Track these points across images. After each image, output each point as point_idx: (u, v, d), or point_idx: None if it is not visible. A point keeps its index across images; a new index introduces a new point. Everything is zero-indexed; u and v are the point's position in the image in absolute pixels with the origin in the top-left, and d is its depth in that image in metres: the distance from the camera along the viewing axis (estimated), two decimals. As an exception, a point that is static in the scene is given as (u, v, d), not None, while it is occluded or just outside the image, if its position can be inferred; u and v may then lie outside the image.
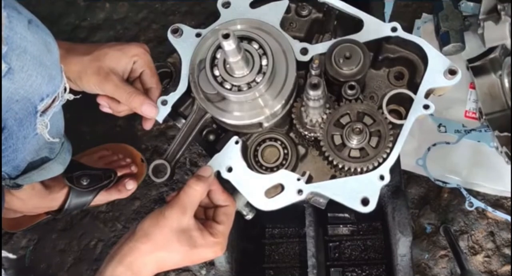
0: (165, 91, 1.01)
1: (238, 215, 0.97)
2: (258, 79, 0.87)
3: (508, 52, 1.39)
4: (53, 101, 0.87)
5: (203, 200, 0.91)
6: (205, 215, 0.95)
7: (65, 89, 0.90)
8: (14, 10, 0.76)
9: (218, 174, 0.93)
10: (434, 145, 1.50)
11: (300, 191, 0.89)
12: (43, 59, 0.81)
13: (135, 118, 1.58)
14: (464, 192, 1.46)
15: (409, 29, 1.62)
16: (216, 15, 0.99)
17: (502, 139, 1.39)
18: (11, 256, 1.53)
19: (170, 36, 0.99)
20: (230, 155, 0.93)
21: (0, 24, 0.72)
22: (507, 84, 1.40)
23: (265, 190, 0.90)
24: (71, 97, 0.93)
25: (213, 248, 0.89)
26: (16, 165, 0.90)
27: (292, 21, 1.03)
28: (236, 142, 0.94)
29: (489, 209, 1.44)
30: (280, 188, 0.90)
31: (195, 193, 0.88)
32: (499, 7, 1.37)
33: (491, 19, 1.39)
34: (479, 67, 1.46)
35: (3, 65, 0.73)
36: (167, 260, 0.88)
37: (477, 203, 1.45)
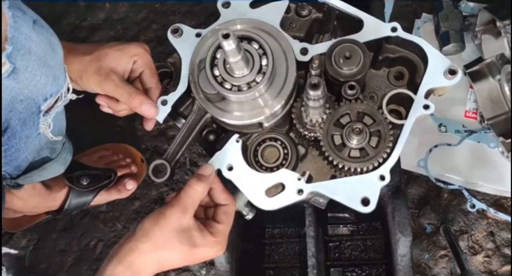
0: (165, 91, 1.01)
1: (238, 215, 0.97)
2: (258, 79, 0.87)
3: (506, 57, 1.39)
4: (56, 101, 0.87)
5: (203, 199, 0.91)
6: (205, 215, 0.95)
7: (68, 89, 0.90)
8: (19, 10, 0.76)
9: (219, 173, 0.93)
10: (436, 146, 1.50)
11: (300, 191, 0.89)
12: (47, 59, 0.81)
13: (135, 118, 1.58)
14: (466, 194, 1.46)
15: (409, 29, 1.62)
16: (216, 15, 0.99)
17: (507, 145, 1.40)
18: (12, 251, 1.53)
19: (170, 36, 0.99)
20: (231, 154, 0.93)
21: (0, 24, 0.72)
22: (507, 91, 1.40)
23: (265, 189, 0.90)
24: (73, 97, 0.94)
25: (213, 247, 0.89)
26: (18, 165, 0.90)
27: (292, 21, 1.03)
28: (237, 140, 0.94)
29: (491, 211, 1.44)
30: (281, 187, 0.90)
31: (195, 193, 0.88)
32: (498, 24, 1.38)
33: (489, 33, 1.39)
34: (476, 72, 1.46)
35: (8, 65, 0.73)
36: (168, 259, 0.88)
37: (479, 205, 1.45)
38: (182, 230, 0.86)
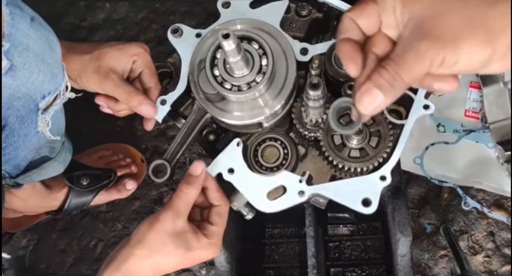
0: (165, 91, 1.01)
1: (238, 215, 0.97)
2: (258, 79, 0.87)
3: None
4: (54, 99, 0.87)
5: (198, 199, 0.91)
6: (201, 216, 0.94)
7: (66, 87, 0.90)
8: (16, 7, 0.76)
9: (219, 176, 0.93)
10: (433, 144, 1.51)
11: (302, 194, 0.89)
12: (45, 56, 0.81)
13: (135, 118, 1.58)
14: (460, 192, 1.46)
15: (409, 29, 1.62)
16: (216, 15, 0.99)
17: (504, 156, 1.41)
18: (5, 256, 1.53)
19: (170, 36, 0.99)
20: (232, 157, 0.93)
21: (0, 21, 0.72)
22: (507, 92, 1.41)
23: (267, 192, 0.90)
24: (72, 95, 0.94)
25: (208, 249, 0.89)
26: (17, 163, 0.90)
27: (292, 21, 1.03)
28: (238, 144, 0.93)
29: (485, 210, 1.44)
30: (282, 190, 0.90)
31: (187, 196, 0.88)
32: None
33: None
34: (488, 75, 1.46)
35: (6, 62, 0.73)
36: (164, 264, 0.88)
37: (473, 203, 1.45)
38: (176, 234, 0.86)
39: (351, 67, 0.63)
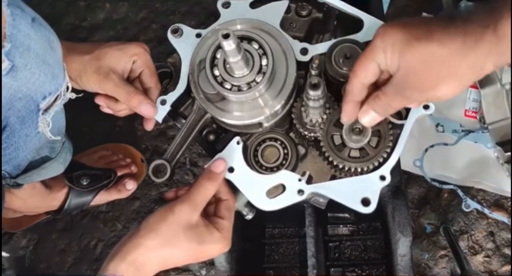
0: (165, 91, 1.01)
1: (238, 215, 0.97)
2: (258, 79, 0.87)
3: None
4: (55, 100, 0.87)
5: None
6: (206, 212, 0.94)
7: (67, 88, 0.90)
8: (18, 8, 0.76)
9: None
10: (432, 146, 1.50)
11: (301, 192, 0.89)
12: (46, 57, 0.81)
13: (135, 118, 1.58)
14: (461, 193, 1.46)
15: (409, 29, 1.61)
16: (216, 15, 0.99)
17: (504, 156, 1.41)
18: (4, 254, 1.53)
19: (170, 36, 0.99)
20: (232, 156, 0.93)
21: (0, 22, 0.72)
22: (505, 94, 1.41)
23: (266, 190, 0.90)
24: (73, 95, 0.94)
25: (219, 244, 0.88)
26: (17, 164, 0.90)
27: (292, 21, 1.03)
28: (238, 143, 0.94)
29: (486, 210, 1.44)
30: (282, 188, 0.90)
31: (206, 192, 0.88)
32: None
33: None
34: (485, 77, 1.45)
35: (7, 63, 0.73)
36: (173, 257, 0.87)
37: (474, 205, 1.45)
38: (190, 227, 0.85)
39: (345, 120, 0.84)
